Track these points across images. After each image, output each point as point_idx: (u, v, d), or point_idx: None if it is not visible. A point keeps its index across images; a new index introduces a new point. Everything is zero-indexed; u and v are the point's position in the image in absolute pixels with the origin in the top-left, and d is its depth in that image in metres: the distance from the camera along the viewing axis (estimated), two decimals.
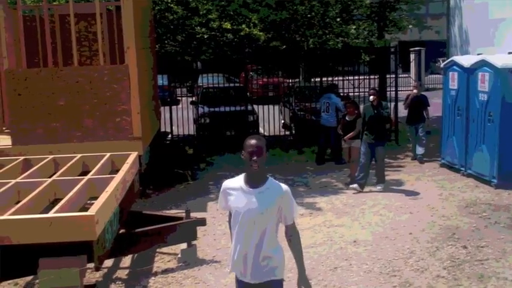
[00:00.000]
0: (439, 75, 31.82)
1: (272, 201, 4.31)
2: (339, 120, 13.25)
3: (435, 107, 15.03)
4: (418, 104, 13.91)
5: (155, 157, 11.89)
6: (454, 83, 12.47)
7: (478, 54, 13.07)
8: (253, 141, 4.29)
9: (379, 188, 11.38)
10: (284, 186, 4.40)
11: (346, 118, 12.04)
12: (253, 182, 4.35)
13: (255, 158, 4.24)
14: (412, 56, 32.94)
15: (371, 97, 11.36)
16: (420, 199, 10.61)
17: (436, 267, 7.36)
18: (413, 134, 14.19)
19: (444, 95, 13.13)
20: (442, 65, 13.95)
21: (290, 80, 20.83)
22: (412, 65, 32.16)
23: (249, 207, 4.30)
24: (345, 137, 11.85)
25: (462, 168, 12.17)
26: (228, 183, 4.49)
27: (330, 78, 17.28)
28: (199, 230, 8.01)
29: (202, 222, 7.92)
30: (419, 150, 13.89)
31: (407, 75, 29.28)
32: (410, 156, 14.42)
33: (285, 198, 4.37)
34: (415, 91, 14.33)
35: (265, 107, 17.40)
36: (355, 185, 11.28)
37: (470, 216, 9.42)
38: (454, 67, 12.51)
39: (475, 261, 7.50)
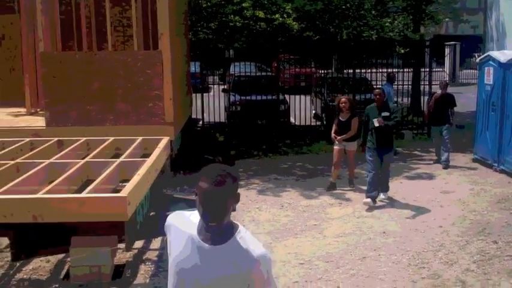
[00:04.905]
0: (473, 70, 31.47)
1: (233, 271, 2.69)
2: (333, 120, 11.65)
3: (469, 102, 14.82)
4: (443, 104, 12.80)
5: (186, 143, 11.95)
6: (489, 78, 12.29)
7: None
8: (210, 188, 2.79)
9: (382, 197, 10.02)
10: (260, 251, 2.71)
11: (340, 118, 10.77)
12: (211, 235, 2.76)
13: (213, 214, 2.72)
14: (447, 50, 32.59)
15: (377, 97, 9.96)
16: (451, 193, 10.51)
17: (465, 260, 7.30)
18: (437, 136, 13.02)
19: (479, 90, 12.95)
20: (477, 60, 13.71)
21: (322, 71, 20.76)
22: (447, 59, 31.83)
23: (197, 272, 2.72)
24: (338, 138, 10.64)
25: (495, 164, 12.01)
26: (174, 221, 2.94)
27: (363, 70, 17.18)
28: None
29: None
30: (444, 155, 12.73)
31: (441, 69, 29.01)
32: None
33: (257, 271, 2.69)
34: (439, 91, 13.13)
35: (297, 97, 17.35)
36: (368, 200, 9.64)
37: (502, 212, 9.32)
38: (490, 62, 12.33)
39: (506, 256, 7.42)
